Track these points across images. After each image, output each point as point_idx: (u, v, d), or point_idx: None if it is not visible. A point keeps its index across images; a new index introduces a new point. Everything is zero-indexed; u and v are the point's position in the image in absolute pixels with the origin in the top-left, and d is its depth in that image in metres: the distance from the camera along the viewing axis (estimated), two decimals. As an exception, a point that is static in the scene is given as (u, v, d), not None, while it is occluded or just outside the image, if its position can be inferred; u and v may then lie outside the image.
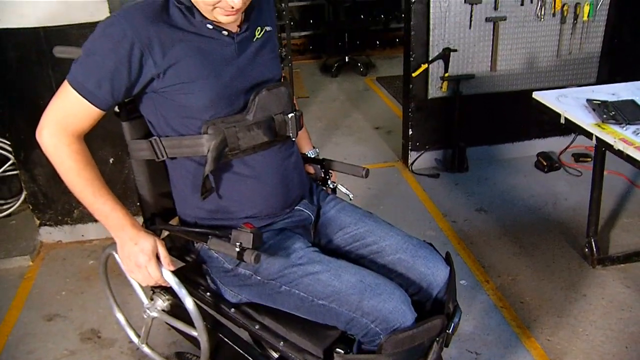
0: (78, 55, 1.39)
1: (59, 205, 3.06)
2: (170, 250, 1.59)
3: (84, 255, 3.03)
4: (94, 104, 1.37)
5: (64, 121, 1.38)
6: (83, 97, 1.36)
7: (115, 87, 1.36)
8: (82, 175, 1.39)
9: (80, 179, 1.39)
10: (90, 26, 2.64)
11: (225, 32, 1.44)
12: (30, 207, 3.08)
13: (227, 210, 1.50)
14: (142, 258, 1.40)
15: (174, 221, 1.65)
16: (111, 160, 2.98)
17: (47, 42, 2.68)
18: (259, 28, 1.53)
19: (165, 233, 1.60)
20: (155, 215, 1.63)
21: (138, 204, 1.70)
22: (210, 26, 1.42)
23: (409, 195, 3.50)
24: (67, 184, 1.41)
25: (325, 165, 1.79)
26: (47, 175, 2.95)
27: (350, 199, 1.78)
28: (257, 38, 1.51)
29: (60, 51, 1.66)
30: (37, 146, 2.94)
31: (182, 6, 1.40)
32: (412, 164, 3.78)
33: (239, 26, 1.48)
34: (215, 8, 1.35)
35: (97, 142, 2.80)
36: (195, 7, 1.40)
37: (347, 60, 6.28)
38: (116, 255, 1.52)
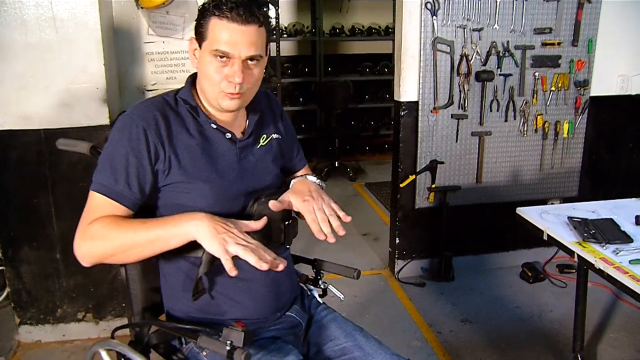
0: (81, 149, 1.43)
1: (42, 303, 3.01)
2: (156, 348, 1.58)
3: (64, 357, 2.95)
4: (124, 205, 1.38)
5: (87, 220, 1.37)
6: (112, 199, 1.36)
7: (141, 181, 1.38)
8: (113, 234, 1.34)
9: (117, 238, 1.34)
10: (91, 130, 2.77)
11: (228, 135, 1.49)
12: (12, 305, 3.02)
13: (217, 309, 1.51)
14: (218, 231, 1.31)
15: (162, 317, 1.64)
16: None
17: (47, 143, 2.75)
18: (264, 136, 1.58)
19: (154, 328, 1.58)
20: (145, 310, 1.63)
21: (124, 305, 1.68)
22: (214, 126, 1.47)
23: (395, 304, 3.49)
24: (120, 253, 1.36)
25: (317, 265, 1.80)
26: (33, 274, 2.93)
27: (341, 301, 1.78)
28: (261, 145, 1.57)
29: (62, 144, 1.71)
30: (25, 244, 2.93)
31: (187, 106, 1.47)
32: (398, 272, 3.79)
33: (242, 132, 1.54)
34: (220, 92, 1.40)
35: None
36: (199, 106, 1.47)
37: (336, 165, 6.36)
38: (102, 353, 1.50)
